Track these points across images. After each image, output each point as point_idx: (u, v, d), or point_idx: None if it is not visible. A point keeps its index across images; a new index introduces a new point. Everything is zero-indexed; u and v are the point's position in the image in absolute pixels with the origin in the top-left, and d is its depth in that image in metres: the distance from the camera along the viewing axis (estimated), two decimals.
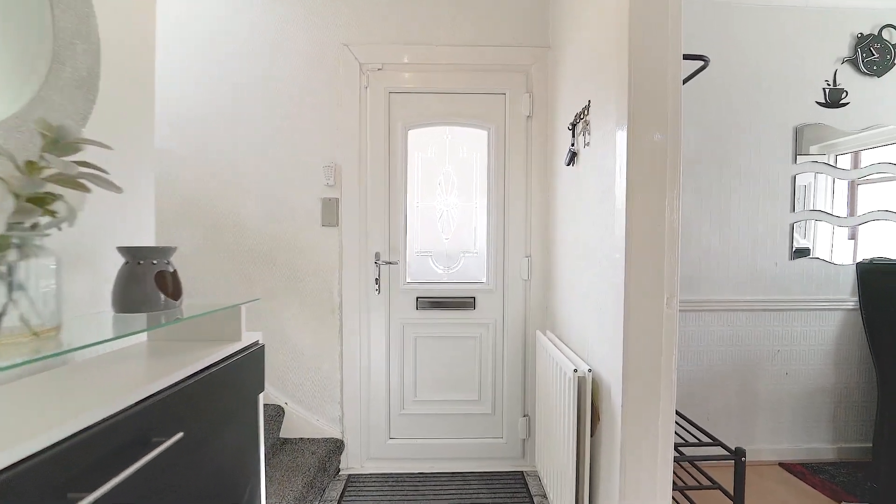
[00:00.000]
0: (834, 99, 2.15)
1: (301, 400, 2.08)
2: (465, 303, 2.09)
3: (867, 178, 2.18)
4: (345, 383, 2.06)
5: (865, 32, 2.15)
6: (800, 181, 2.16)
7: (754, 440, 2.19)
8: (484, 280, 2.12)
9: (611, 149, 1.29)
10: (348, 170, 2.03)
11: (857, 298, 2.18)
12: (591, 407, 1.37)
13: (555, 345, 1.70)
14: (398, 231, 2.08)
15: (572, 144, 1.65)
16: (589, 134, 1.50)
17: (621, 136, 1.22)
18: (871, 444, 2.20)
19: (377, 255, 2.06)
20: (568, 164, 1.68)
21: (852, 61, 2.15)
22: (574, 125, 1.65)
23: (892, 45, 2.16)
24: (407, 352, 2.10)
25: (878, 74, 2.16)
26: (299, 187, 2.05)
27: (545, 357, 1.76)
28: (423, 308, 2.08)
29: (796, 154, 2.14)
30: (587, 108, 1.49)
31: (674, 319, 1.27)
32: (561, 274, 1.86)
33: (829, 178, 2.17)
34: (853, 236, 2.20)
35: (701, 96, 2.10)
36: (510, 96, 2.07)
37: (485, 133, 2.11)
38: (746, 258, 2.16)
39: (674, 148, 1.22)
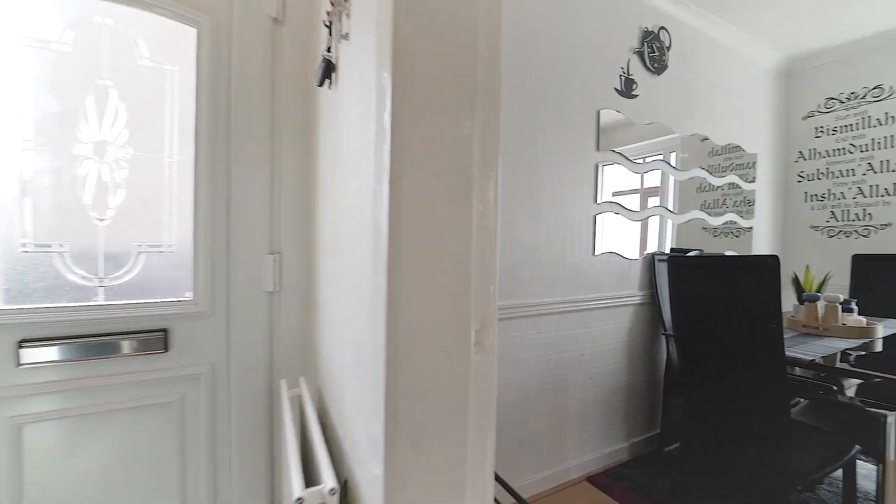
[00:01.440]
0: (627, 88, 2.06)
1: None
2: (147, 341, 1.11)
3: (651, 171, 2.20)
4: None
5: (649, 28, 2.14)
6: (601, 172, 2.00)
7: (566, 457, 1.93)
8: (189, 296, 1.18)
9: (371, 56, 0.60)
10: None
11: (643, 293, 2.19)
12: None
13: (301, 413, 0.93)
14: None
15: (328, 49, 0.91)
16: (348, 18, 0.78)
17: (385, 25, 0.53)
18: (657, 432, 2.26)
19: None
20: (320, 84, 0.92)
21: (640, 54, 2.11)
22: (331, 20, 0.90)
23: (667, 46, 2.22)
24: None
25: (658, 72, 2.18)
26: None
27: (287, 436, 0.97)
28: (41, 360, 1.01)
29: (598, 140, 1.96)
30: None
31: (489, 369, 0.66)
32: (327, 282, 1.10)
33: (624, 170, 2.09)
34: (643, 230, 2.19)
35: (514, 66, 1.68)
36: None
37: (193, 32, 1.17)
38: (557, 253, 1.87)
39: (489, 83, 0.61)
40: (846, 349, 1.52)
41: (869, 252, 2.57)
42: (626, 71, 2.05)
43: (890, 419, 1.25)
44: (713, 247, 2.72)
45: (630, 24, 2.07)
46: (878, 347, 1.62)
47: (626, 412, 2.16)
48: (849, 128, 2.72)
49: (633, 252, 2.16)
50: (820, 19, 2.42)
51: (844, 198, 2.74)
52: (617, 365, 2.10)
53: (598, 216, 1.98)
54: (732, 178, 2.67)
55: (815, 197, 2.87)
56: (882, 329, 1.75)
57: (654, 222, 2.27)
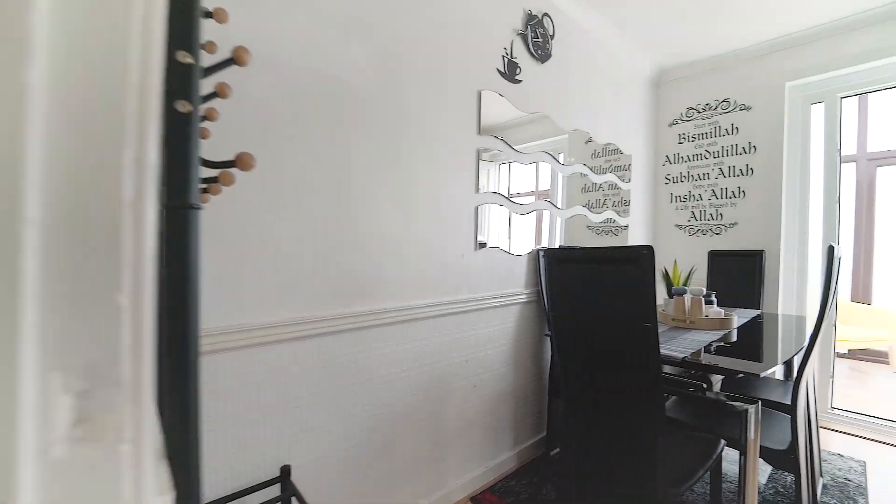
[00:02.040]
0: (511, 71, 1.92)
1: None
2: None
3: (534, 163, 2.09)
4: None
5: (533, 12, 2.04)
6: (483, 158, 1.82)
7: (447, 478, 1.70)
8: None
9: None
10: None
11: (529, 290, 2.08)
12: None
13: None
14: None
15: None
16: None
17: None
18: (543, 435, 2.16)
19: None
20: None
21: (524, 37, 1.99)
22: None
23: (551, 34, 2.15)
24: None
25: (542, 60, 2.09)
26: None
27: None
28: None
29: (480, 123, 1.78)
30: None
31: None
32: None
33: (507, 160, 1.95)
34: (536, 225, 2.07)
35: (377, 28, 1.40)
36: None
37: None
38: (433, 249, 1.63)
39: None
40: (710, 343, 1.53)
41: (721, 248, 2.83)
42: (509, 53, 1.91)
43: (750, 411, 1.23)
44: (595, 244, 2.77)
45: (514, 4, 1.94)
46: (734, 337, 1.68)
47: (514, 418, 2.01)
48: (704, 136, 2.98)
49: (522, 248, 2.03)
50: (682, 37, 2.60)
51: (701, 199, 3.00)
52: (503, 369, 1.94)
53: (480, 208, 1.80)
54: (611, 177, 2.74)
55: (678, 198, 3.11)
56: (736, 319, 1.84)
57: (545, 218, 2.18)
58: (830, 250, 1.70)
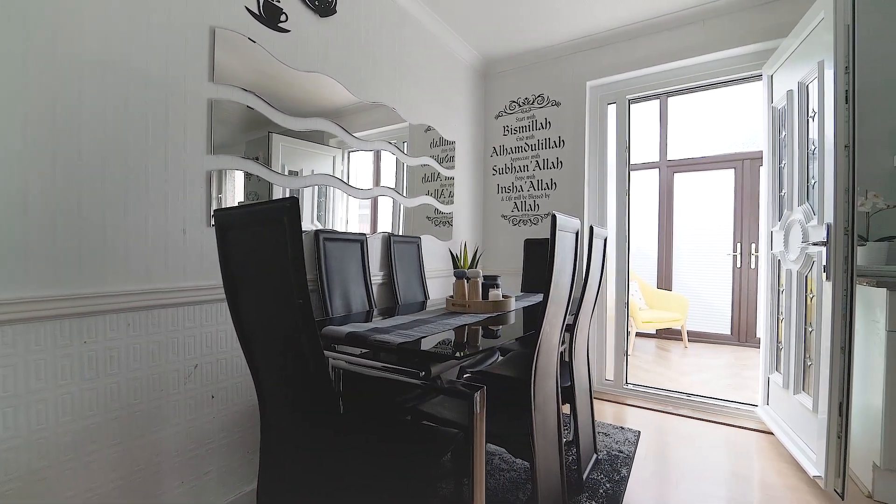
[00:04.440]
0: (270, 14, 1.61)
1: None
2: None
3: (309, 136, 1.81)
4: None
5: None
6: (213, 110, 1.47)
7: None
8: None
9: None
10: None
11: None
12: None
13: None
14: None
15: None
16: None
17: None
18: None
19: None
20: None
21: None
22: None
23: None
24: None
25: (321, 12, 1.82)
26: None
27: None
28: None
29: (213, 69, 1.43)
30: None
31: None
32: None
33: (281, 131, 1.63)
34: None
35: None
36: None
37: None
38: (140, 221, 1.23)
39: None
40: (464, 324, 1.40)
41: (536, 237, 2.91)
42: None
43: (476, 397, 1.10)
44: (435, 234, 2.63)
45: None
46: (511, 320, 1.59)
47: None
48: (523, 129, 3.06)
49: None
50: (505, 30, 2.59)
51: (522, 190, 3.07)
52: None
53: (214, 173, 1.44)
54: (429, 161, 2.62)
55: (503, 189, 3.15)
56: (514, 303, 1.79)
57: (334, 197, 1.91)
58: (591, 230, 1.73)
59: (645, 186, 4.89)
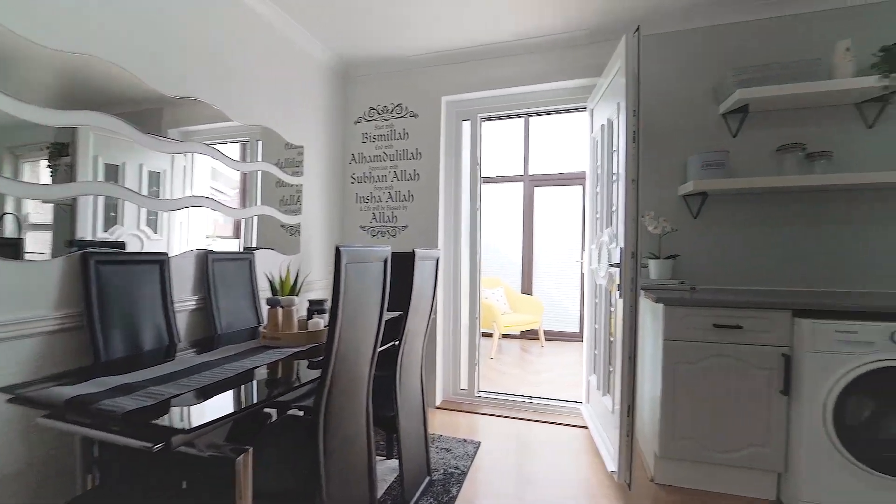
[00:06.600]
0: None
1: None
2: None
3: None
4: None
5: None
6: None
7: None
8: None
9: None
10: None
11: (63, 313, 1.39)
12: None
13: None
14: None
15: None
16: None
17: None
18: None
19: None
20: None
21: None
22: None
23: None
24: None
25: None
26: None
27: None
28: None
29: None
30: None
31: None
32: None
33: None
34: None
35: None
36: None
37: None
38: None
39: None
40: (257, 366, 1.23)
41: (396, 251, 2.84)
42: None
43: (239, 462, 0.95)
44: (279, 248, 2.34)
45: None
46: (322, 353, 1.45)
47: None
48: (383, 137, 2.97)
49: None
50: (358, 32, 2.44)
51: (381, 201, 2.98)
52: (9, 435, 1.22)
53: None
54: (268, 167, 2.36)
55: (362, 198, 3.02)
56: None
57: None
58: (412, 255, 1.70)
59: (512, 198, 5.22)
